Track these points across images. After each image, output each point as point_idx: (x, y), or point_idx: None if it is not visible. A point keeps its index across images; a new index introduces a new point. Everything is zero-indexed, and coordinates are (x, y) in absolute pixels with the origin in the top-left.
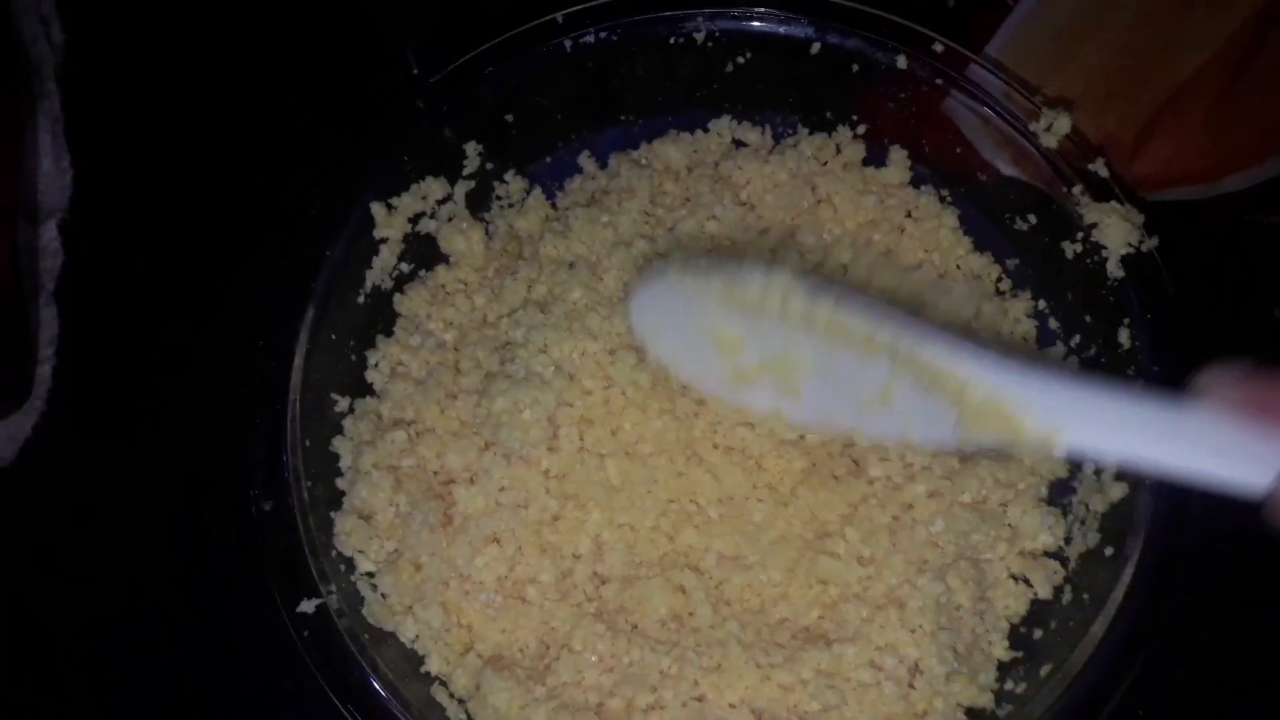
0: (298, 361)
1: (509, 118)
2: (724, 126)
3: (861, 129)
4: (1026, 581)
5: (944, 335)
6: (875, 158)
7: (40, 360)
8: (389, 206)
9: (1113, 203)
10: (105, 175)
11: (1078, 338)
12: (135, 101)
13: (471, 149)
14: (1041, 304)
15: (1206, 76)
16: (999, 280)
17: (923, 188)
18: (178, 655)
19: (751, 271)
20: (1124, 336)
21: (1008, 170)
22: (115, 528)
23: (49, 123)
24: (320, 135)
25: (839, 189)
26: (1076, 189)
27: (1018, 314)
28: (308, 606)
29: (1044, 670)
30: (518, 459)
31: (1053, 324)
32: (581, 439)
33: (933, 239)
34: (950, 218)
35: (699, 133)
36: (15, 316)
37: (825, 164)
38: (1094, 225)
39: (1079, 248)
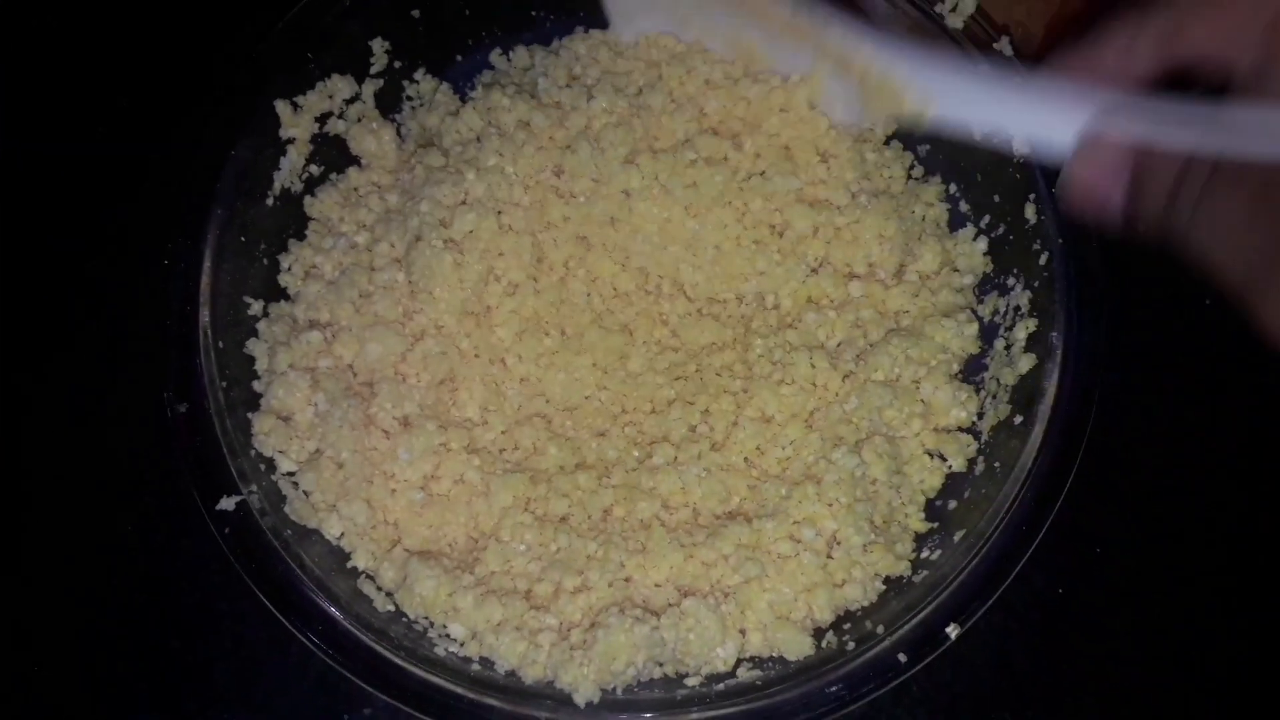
0: (207, 264)
1: (415, 13)
2: None
3: None
4: (941, 457)
5: (851, 23)
6: None
7: None
8: (294, 105)
9: None
10: (33, 117)
11: (987, 218)
12: (63, 42)
13: (379, 46)
14: (952, 188)
15: None
16: (911, 167)
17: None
18: (116, 579)
19: None
20: (1029, 212)
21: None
22: (43, 454)
23: None
24: (223, 36)
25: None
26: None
27: (929, 198)
28: (227, 504)
29: (957, 537)
30: (438, 351)
31: (964, 207)
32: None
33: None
34: None
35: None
36: None
37: None
38: None
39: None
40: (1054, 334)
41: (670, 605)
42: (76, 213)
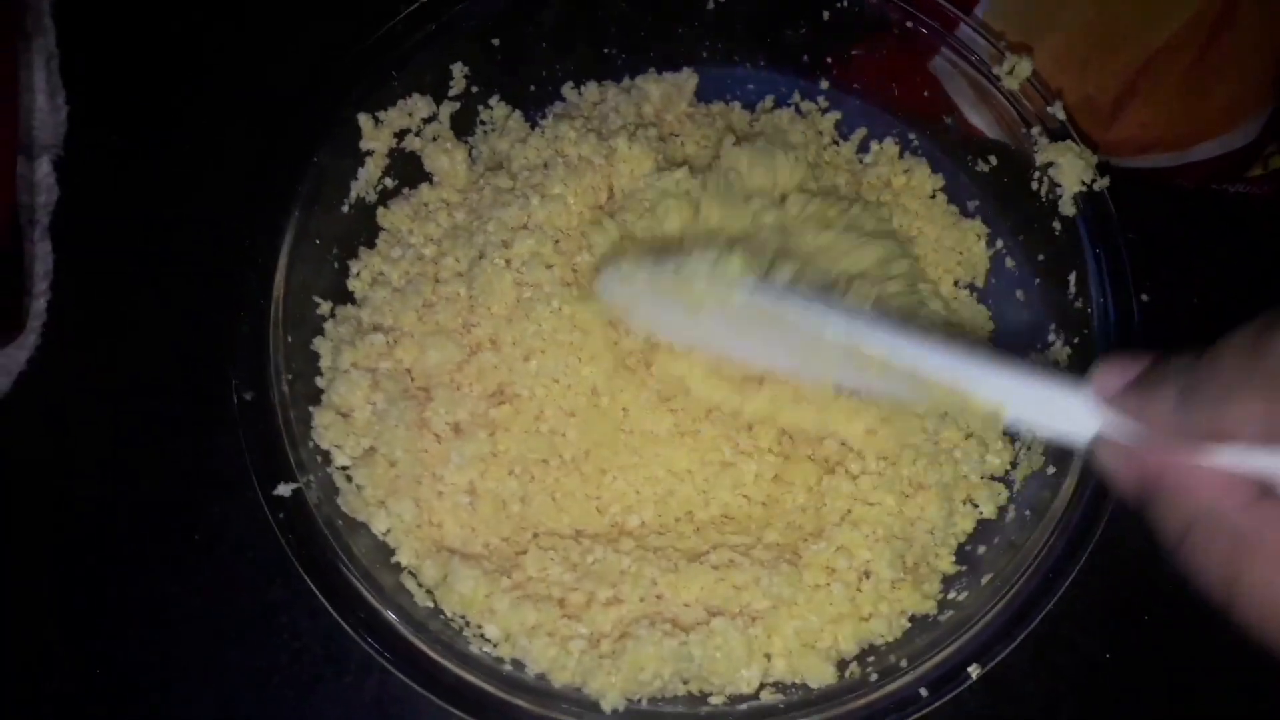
0: (282, 262)
1: (495, 42)
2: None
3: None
4: (974, 503)
5: (886, 325)
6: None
7: (35, 294)
8: (375, 119)
9: (1068, 142)
10: (100, 111)
11: (1035, 278)
12: (130, 37)
13: (458, 70)
14: (1000, 244)
15: (1180, 44)
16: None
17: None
18: (178, 587)
19: (699, 263)
20: (1071, 277)
21: (971, 115)
22: (111, 456)
23: (44, 59)
24: (312, 55)
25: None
26: (1035, 130)
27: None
28: (284, 490)
29: (984, 580)
30: (491, 365)
31: (1009, 263)
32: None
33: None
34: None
35: (679, 72)
36: (12, 251)
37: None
38: (1050, 165)
39: (1035, 187)
40: None
41: (699, 624)
42: (163, 207)
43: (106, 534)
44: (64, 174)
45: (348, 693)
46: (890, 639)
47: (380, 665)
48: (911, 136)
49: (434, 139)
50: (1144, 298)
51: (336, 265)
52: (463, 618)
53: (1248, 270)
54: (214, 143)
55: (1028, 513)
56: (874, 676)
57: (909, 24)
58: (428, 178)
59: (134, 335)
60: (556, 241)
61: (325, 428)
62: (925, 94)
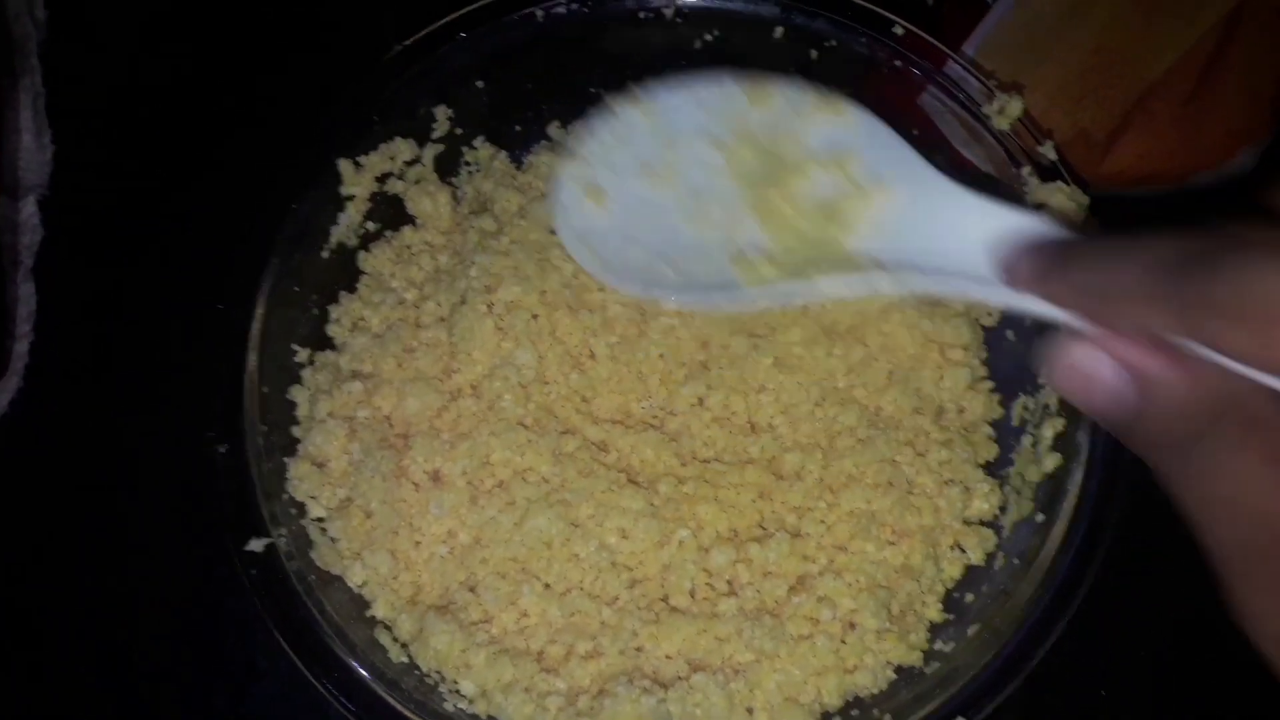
0: (259, 310)
1: (479, 84)
2: None
3: None
4: (961, 549)
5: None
6: None
7: (18, 336)
8: (356, 164)
9: (1058, 183)
10: (85, 152)
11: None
12: (116, 79)
13: (441, 113)
14: None
15: (1177, 76)
16: None
17: None
18: (160, 635)
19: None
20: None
21: (964, 151)
22: (90, 500)
23: (30, 99)
24: (291, 99)
25: None
26: (1025, 170)
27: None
28: (256, 545)
29: (971, 631)
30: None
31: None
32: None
33: None
34: None
35: None
36: None
37: None
38: (1040, 206)
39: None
40: (1080, 433)
41: (679, 679)
42: (131, 252)
43: (82, 580)
44: (48, 214)
45: None
46: (875, 691)
47: None
48: None
49: (417, 181)
50: None
51: (316, 311)
52: (438, 672)
53: None
54: (198, 185)
55: (1016, 560)
56: None
57: (897, 63)
58: (410, 220)
59: (117, 378)
60: (543, 292)
61: (300, 479)
62: (915, 132)
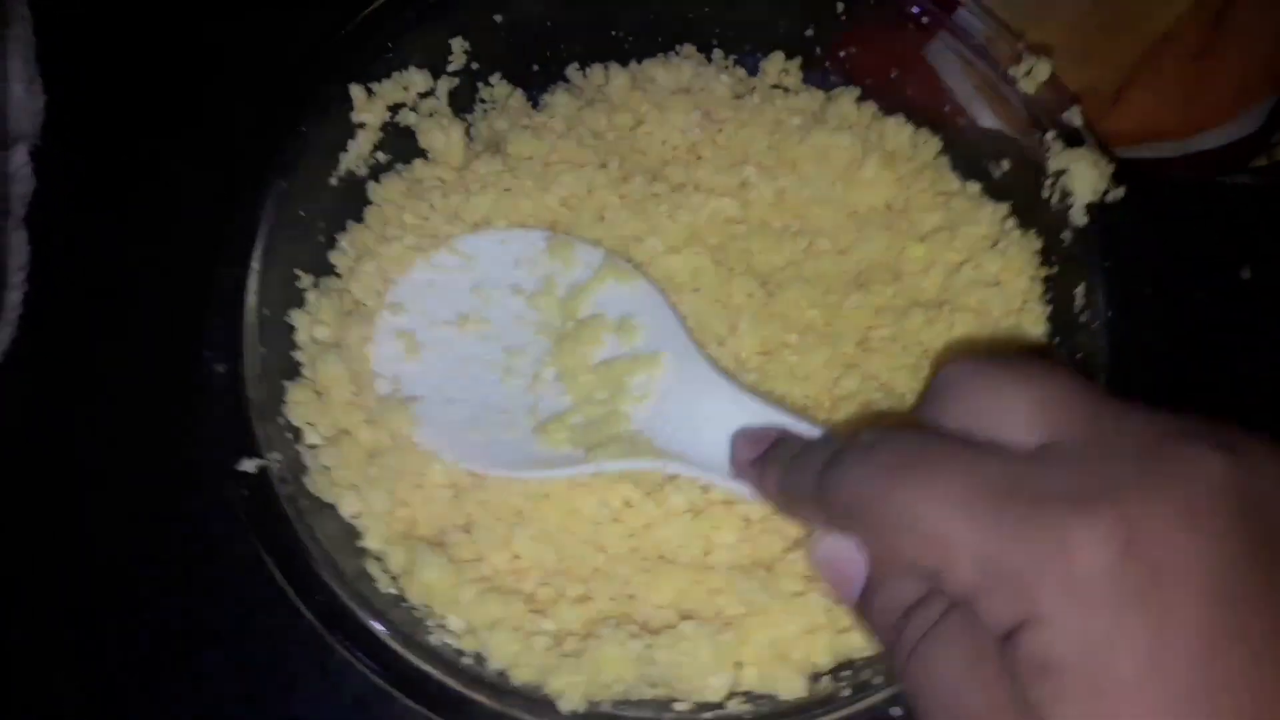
0: (263, 229)
1: (498, 18)
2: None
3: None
4: None
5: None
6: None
7: (10, 286)
8: (369, 90)
9: (1083, 149)
10: (77, 100)
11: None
12: (108, 26)
13: (458, 45)
14: None
15: (1183, 31)
16: None
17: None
18: (157, 588)
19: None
20: (1080, 287)
21: (985, 120)
22: (85, 451)
23: (20, 47)
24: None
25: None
26: (1050, 135)
27: None
28: (249, 466)
29: None
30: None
31: None
32: None
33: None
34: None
35: (686, 60)
36: None
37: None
38: (1063, 172)
39: (1047, 194)
40: None
41: (668, 627)
42: (127, 200)
43: (80, 531)
44: (41, 165)
45: (329, 692)
46: (867, 653)
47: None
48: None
49: (430, 114)
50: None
51: (322, 238)
52: (426, 606)
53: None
54: (194, 131)
55: None
56: (846, 691)
57: (912, 8)
58: (422, 154)
59: (112, 328)
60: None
61: (299, 404)
62: (938, 97)
